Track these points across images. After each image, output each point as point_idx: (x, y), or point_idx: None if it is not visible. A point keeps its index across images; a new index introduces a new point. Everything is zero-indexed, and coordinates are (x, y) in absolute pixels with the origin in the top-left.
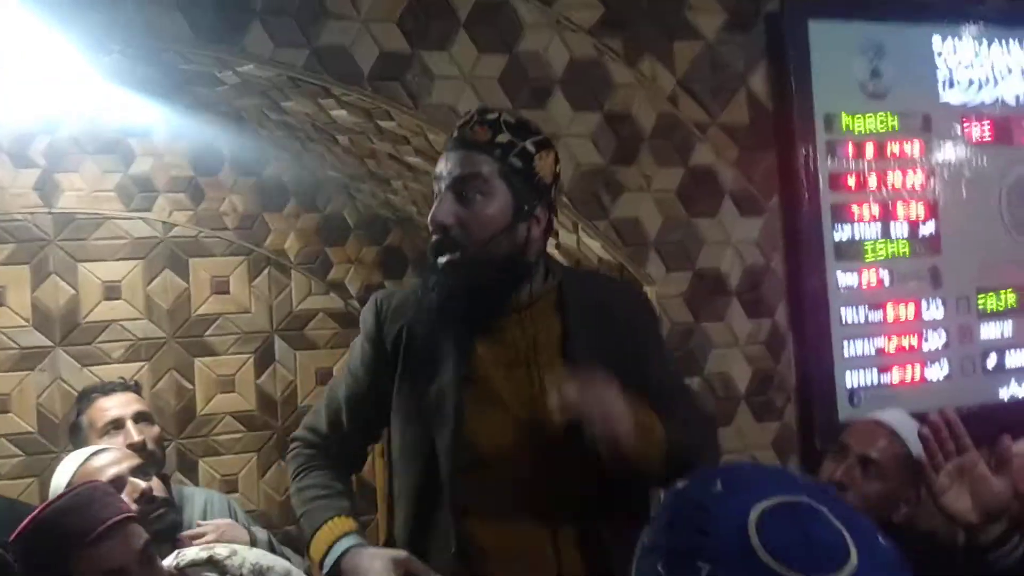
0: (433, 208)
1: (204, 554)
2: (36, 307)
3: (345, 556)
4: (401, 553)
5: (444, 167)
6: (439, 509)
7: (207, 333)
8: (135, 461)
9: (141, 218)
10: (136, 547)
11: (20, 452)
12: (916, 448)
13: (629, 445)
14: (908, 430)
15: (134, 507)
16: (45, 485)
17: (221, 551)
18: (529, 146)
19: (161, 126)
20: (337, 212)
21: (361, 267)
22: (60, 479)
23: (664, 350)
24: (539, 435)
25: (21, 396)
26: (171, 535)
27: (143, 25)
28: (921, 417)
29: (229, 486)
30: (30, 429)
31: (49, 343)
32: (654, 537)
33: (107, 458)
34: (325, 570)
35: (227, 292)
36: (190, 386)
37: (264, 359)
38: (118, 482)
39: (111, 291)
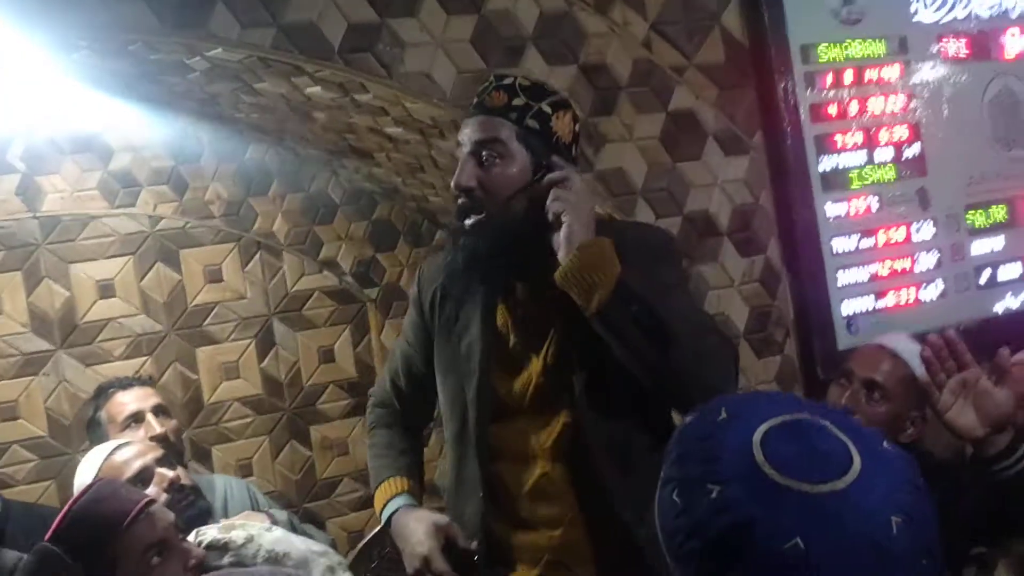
0: (456, 173)
1: (223, 537)
2: (33, 312)
3: (395, 515)
4: (443, 518)
5: (465, 133)
6: (470, 455)
7: (206, 322)
8: (159, 452)
9: (126, 214)
10: (169, 521)
11: (34, 456)
12: (920, 370)
13: (580, 262)
14: (910, 353)
15: (164, 497)
16: (62, 488)
17: (238, 536)
18: (545, 107)
19: (136, 120)
20: (322, 190)
21: (352, 243)
22: (85, 475)
23: (686, 286)
24: (559, 384)
25: (28, 401)
26: (203, 522)
27: (108, 18)
28: (922, 339)
29: (244, 471)
30: (41, 433)
31: (50, 347)
32: (668, 471)
33: (132, 451)
34: (381, 524)
35: (221, 280)
36: (194, 376)
37: (265, 343)
38: (145, 473)
39: (105, 290)
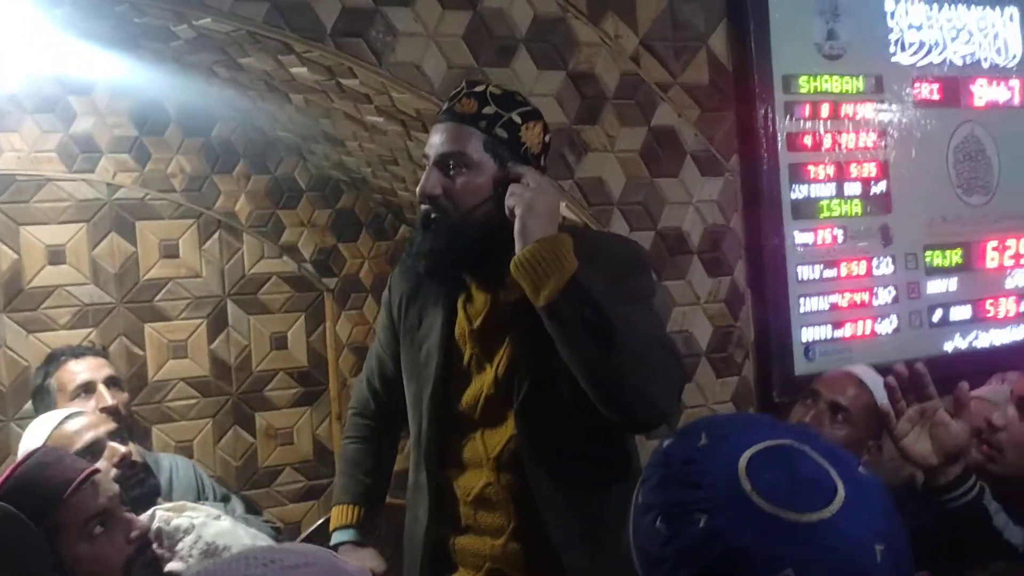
0: (421, 181)
1: (171, 524)
2: None
3: (338, 549)
4: (379, 567)
5: (433, 141)
6: (423, 460)
7: (157, 298)
8: (111, 425)
9: (84, 179)
10: (113, 492)
11: None
12: (882, 399)
13: (534, 254)
14: (874, 383)
15: (114, 472)
16: None
17: (183, 522)
18: (515, 117)
19: (103, 84)
20: (288, 174)
21: (314, 230)
22: (32, 442)
23: (651, 301)
24: (509, 397)
25: None
26: (151, 501)
27: None
28: (885, 371)
29: (183, 452)
30: None
31: None
32: (648, 496)
33: (84, 421)
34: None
35: (176, 256)
36: (140, 352)
37: (217, 324)
38: (96, 446)
39: (55, 255)
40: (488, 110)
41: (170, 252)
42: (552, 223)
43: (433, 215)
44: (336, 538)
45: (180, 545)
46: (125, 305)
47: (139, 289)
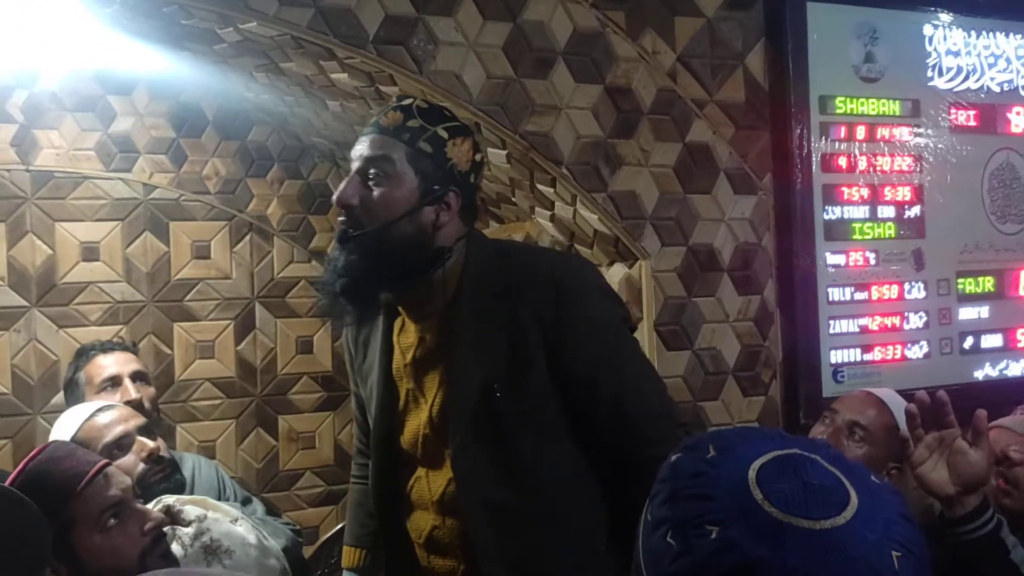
0: (338, 190)
1: (183, 507)
2: (12, 266)
3: None
4: None
5: (355, 150)
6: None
7: (187, 298)
8: (141, 420)
9: (121, 179)
10: (126, 484)
11: None
12: (903, 423)
13: None
14: (896, 405)
15: (141, 466)
16: (19, 448)
17: (195, 511)
18: (441, 131)
19: (143, 85)
20: (321, 180)
21: None
22: (63, 433)
23: (608, 337)
24: (445, 437)
25: None
26: (177, 495)
27: None
28: (910, 396)
29: (206, 452)
30: (4, 390)
31: (25, 303)
32: (658, 512)
33: (114, 415)
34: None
35: (208, 257)
36: (168, 351)
37: (244, 326)
38: (125, 439)
39: (89, 252)
40: (413, 123)
41: (202, 253)
42: None
43: (349, 229)
44: None
45: (183, 531)
46: (155, 304)
47: (170, 288)
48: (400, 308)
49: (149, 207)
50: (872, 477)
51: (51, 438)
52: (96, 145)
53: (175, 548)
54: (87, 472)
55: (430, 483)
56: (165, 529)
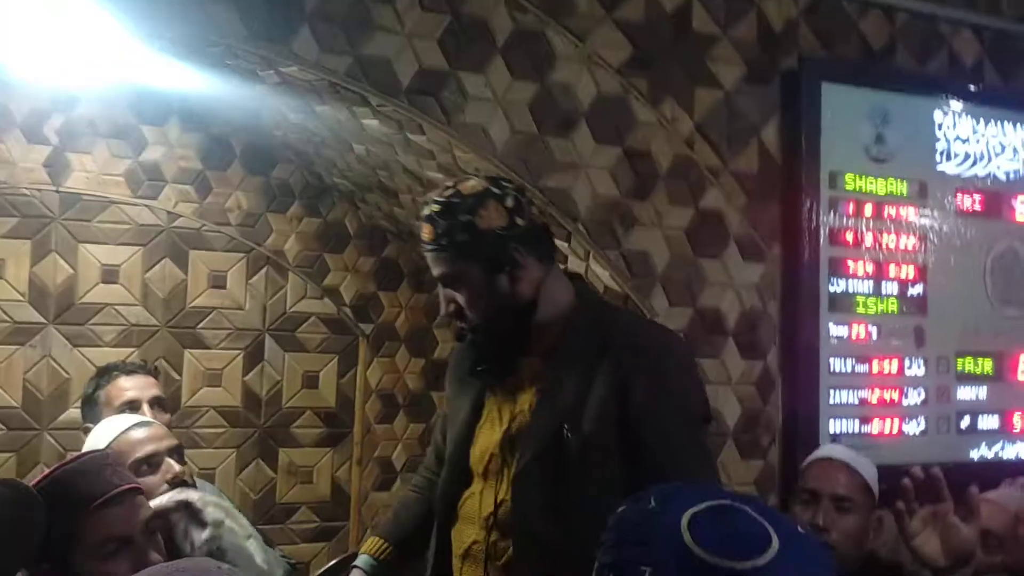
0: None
1: (205, 507)
2: (33, 283)
3: (351, 571)
4: None
5: (431, 267)
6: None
7: (199, 325)
8: (173, 441)
9: (147, 205)
10: (142, 517)
11: (1, 426)
12: (869, 475)
13: None
14: (855, 460)
15: (164, 487)
16: (22, 462)
17: (216, 515)
18: (463, 217)
19: (176, 117)
20: (339, 219)
21: (357, 276)
22: (97, 441)
23: (675, 414)
24: (517, 453)
25: (8, 370)
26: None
27: (201, 17)
28: (905, 472)
29: (205, 479)
30: (14, 404)
31: (42, 320)
32: (603, 557)
33: (147, 432)
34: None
35: (223, 287)
36: (177, 376)
37: (253, 357)
38: (154, 459)
39: (109, 274)
40: (441, 228)
41: (218, 283)
42: None
43: (462, 329)
44: (357, 561)
45: (197, 534)
46: (168, 328)
47: (184, 315)
48: None
49: (171, 234)
50: (799, 529)
51: (85, 447)
52: (125, 171)
53: (184, 546)
54: (104, 492)
55: (482, 499)
56: (179, 526)
